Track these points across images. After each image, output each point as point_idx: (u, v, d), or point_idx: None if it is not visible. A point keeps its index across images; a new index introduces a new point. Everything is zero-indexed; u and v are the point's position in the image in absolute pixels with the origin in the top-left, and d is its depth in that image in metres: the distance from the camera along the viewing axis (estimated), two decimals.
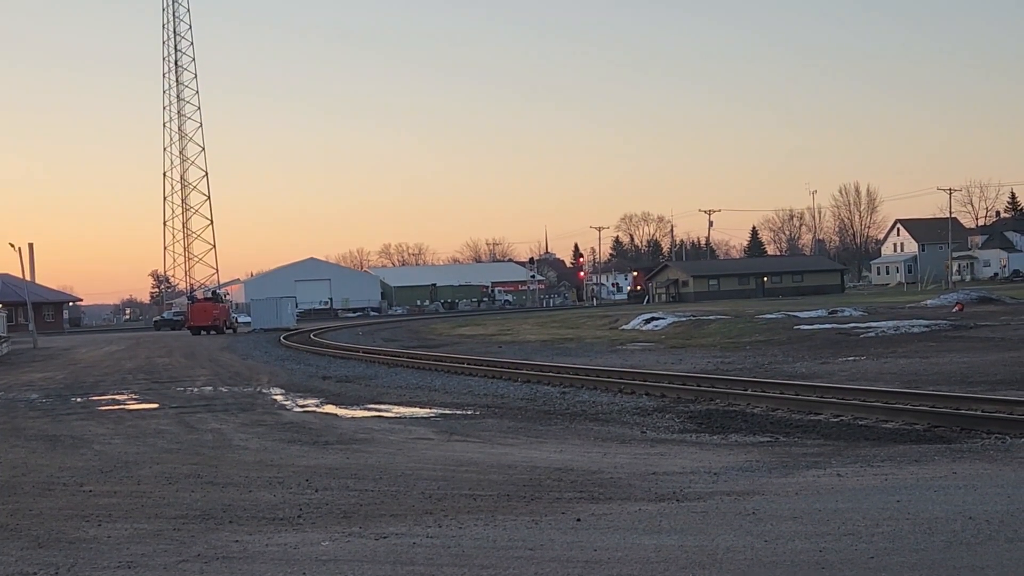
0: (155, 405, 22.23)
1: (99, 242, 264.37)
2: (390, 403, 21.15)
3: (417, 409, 19.78)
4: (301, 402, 22.12)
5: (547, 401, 20.13)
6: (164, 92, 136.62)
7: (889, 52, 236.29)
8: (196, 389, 26.33)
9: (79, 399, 24.73)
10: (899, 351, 29.03)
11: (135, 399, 24.17)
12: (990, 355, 25.85)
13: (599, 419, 17.08)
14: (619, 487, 10.12)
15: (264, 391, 25.23)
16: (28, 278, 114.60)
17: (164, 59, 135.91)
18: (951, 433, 13.49)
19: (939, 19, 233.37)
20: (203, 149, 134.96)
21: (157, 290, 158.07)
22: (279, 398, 23.27)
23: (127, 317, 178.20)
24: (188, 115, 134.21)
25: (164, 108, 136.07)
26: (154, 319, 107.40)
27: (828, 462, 11.36)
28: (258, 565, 7.01)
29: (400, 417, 18.49)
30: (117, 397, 24.87)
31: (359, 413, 19.50)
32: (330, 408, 20.65)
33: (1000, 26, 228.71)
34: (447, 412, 19.01)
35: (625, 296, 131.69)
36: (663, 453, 12.76)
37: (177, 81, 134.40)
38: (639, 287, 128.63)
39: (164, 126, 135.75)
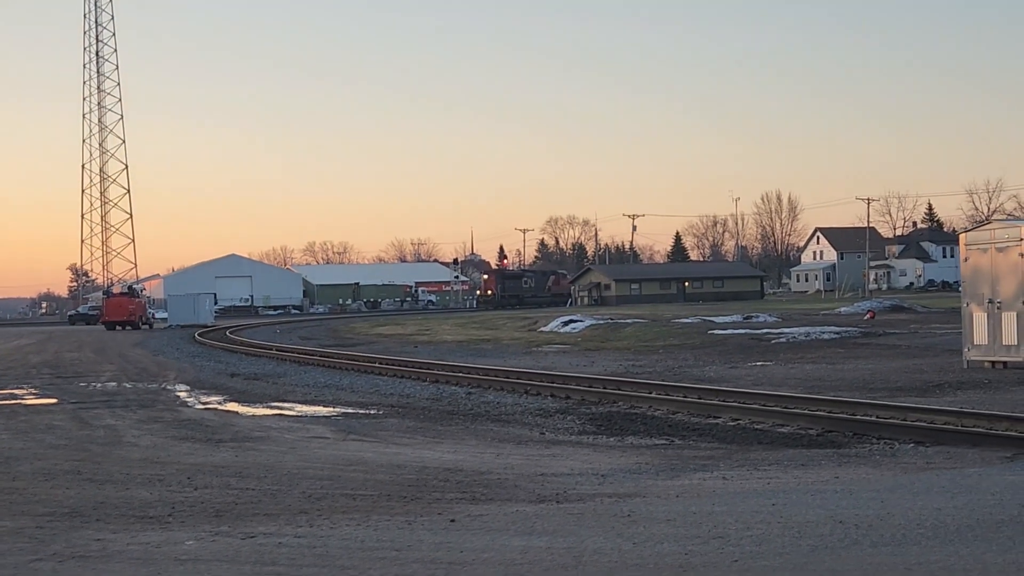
0: (54, 400, 21.74)
1: (15, 234, 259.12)
2: (294, 401, 20.90)
3: (320, 408, 19.56)
4: (204, 399, 21.76)
5: (452, 401, 20.03)
6: (84, 83, 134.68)
7: (813, 62, 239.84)
8: (100, 385, 25.82)
9: None
10: (807, 357, 29.35)
11: (34, 394, 23.63)
12: (894, 362, 26.23)
13: (500, 420, 17.02)
14: (504, 488, 10.05)
15: (169, 388, 24.82)
16: None
17: (85, 49, 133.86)
18: (843, 438, 13.62)
19: (862, 30, 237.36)
20: (123, 141, 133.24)
21: (75, 284, 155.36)
22: (182, 395, 22.89)
23: (43, 311, 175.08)
24: (109, 107, 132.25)
25: (84, 99, 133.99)
26: (69, 314, 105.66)
27: (716, 465, 11.40)
28: (113, 564, 6.81)
29: (301, 416, 18.27)
30: (16, 392, 24.28)
31: (260, 411, 19.24)
32: (232, 406, 20.33)
33: (923, 38, 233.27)
34: (350, 411, 18.82)
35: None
36: (556, 455, 12.72)
37: (98, 72, 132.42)
38: (490, 291, 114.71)
39: (84, 117, 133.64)
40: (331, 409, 19.26)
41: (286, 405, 20.20)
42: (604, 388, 20.59)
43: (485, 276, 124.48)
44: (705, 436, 14.41)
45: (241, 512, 8.74)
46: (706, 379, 23.95)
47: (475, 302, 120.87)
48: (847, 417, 14.94)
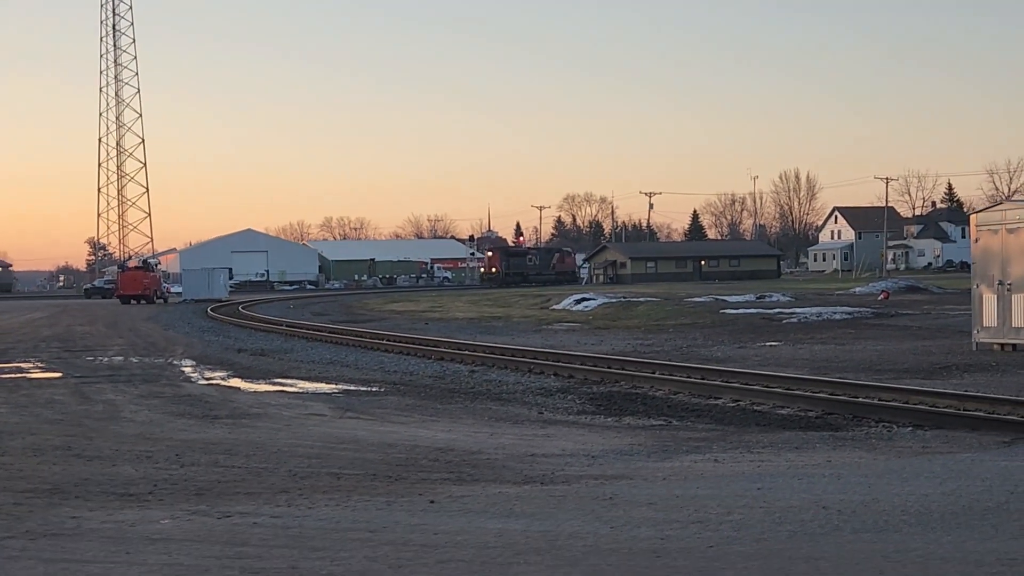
0: (58, 374, 21.77)
1: (36, 207, 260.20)
2: (297, 378, 20.88)
3: (322, 385, 19.53)
4: (208, 375, 21.76)
5: (455, 380, 19.97)
6: (101, 56, 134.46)
7: (831, 42, 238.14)
8: (107, 359, 25.86)
9: None
10: (817, 337, 29.17)
11: (40, 367, 23.68)
12: (904, 343, 26.04)
13: (501, 399, 16.94)
14: (492, 468, 9.97)
15: (175, 363, 24.83)
16: None
17: (102, 22, 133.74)
18: (842, 421, 13.51)
19: (883, 7, 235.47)
20: (140, 115, 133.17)
21: (93, 258, 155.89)
22: (187, 370, 22.89)
23: (61, 284, 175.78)
24: (126, 80, 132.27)
25: (101, 72, 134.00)
26: (85, 287, 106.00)
27: (710, 447, 11.30)
28: (84, 543, 6.76)
29: (302, 392, 18.24)
30: (23, 365, 24.34)
31: (262, 387, 19.21)
32: (235, 382, 20.33)
33: (945, 16, 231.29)
34: (351, 388, 18.79)
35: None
36: (551, 435, 12.64)
37: (115, 45, 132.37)
38: (494, 269, 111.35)
39: (101, 90, 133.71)
40: (333, 386, 19.23)
41: (288, 381, 20.17)
42: (608, 368, 20.48)
43: (489, 253, 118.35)
44: (703, 417, 14.31)
45: (223, 491, 8.69)
46: (713, 359, 23.81)
47: (479, 279, 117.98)
48: (848, 399, 14.82)
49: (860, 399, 14.86)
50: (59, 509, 7.88)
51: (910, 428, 12.58)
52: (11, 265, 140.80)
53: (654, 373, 19.27)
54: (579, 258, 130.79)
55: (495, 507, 7.84)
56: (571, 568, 6.11)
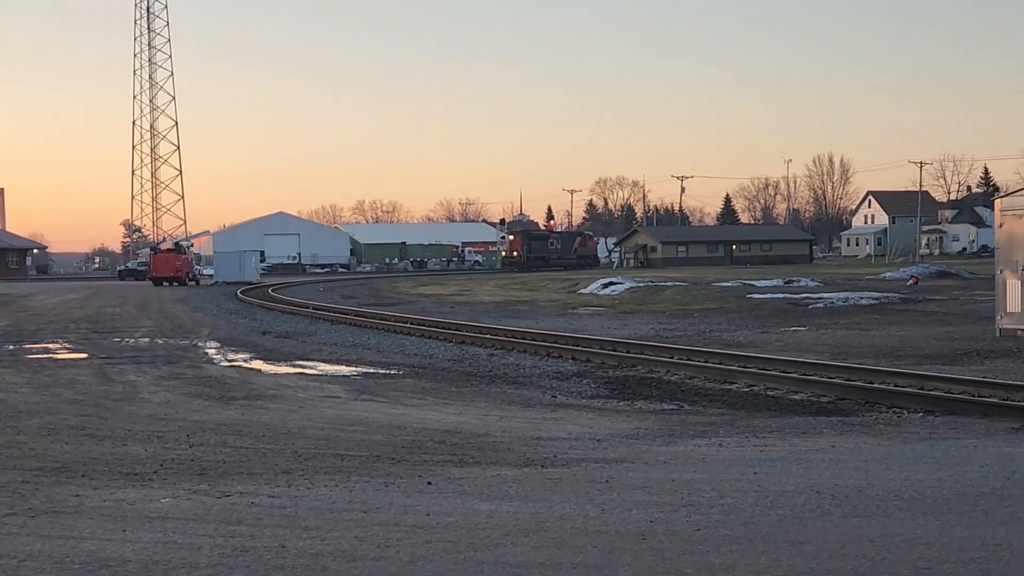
0: (84, 355, 22.03)
1: (72, 190, 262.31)
2: (318, 360, 21.04)
3: (342, 367, 19.67)
4: (231, 356, 21.96)
5: (473, 363, 20.06)
6: (135, 39, 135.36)
7: (866, 25, 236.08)
8: (133, 340, 26.13)
9: (12, 346, 24.48)
10: (841, 322, 29.07)
11: (67, 348, 23.96)
12: (928, 329, 25.91)
13: (516, 382, 17.02)
14: (496, 451, 10.06)
15: (199, 344, 25.06)
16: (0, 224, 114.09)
17: (136, 5, 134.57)
18: (854, 406, 13.50)
19: None
20: (174, 98, 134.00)
21: (128, 240, 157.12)
22: (211, 352, 23.10)
23: (96, 266, 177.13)
24: (159, 63, 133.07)
25: (135, 55, 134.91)
26: (118, 269, 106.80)
27: (716, 432, 11.34)
28: (83, 521, 6.90)
29: (321, 375, 18.38)
30: (50, 346, 24.64)
31: (282, 369, 19.38)
32: (257, 363, 20.51)
33: (975, 1, 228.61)
34: (370, 371, 18.93)
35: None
36: (560, 418, 12.71)
37: (149, 29, 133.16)
38: (515, 253, 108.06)
39: (135, 74, 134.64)
40: (352, 368, 19.37)
41: (309, 364, 20.33)
42: (627, 352, 20.52)
43: (511, 237, 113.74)
44: (715, 402, 14.34)
45: (226, 471, 8.82)
46: (734, 344, 23.79)
47: (500, 263, 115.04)
48: (862, 385, 14.79)
49: (875, 385, 14.84)
50: (64, 487, 8.03)
51: (921, 414, 12.57)
52: (47, 247, 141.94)
53: (672, 358, 19.29)
54: (610, 242, 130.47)
55: (490, 489, 7.93)
56: (555, 549, 6.18)
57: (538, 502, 7.43)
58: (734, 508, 7.20)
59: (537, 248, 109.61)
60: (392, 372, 18.69)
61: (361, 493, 7.80)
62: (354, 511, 7.18)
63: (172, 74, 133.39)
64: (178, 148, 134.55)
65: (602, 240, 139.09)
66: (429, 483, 8.14)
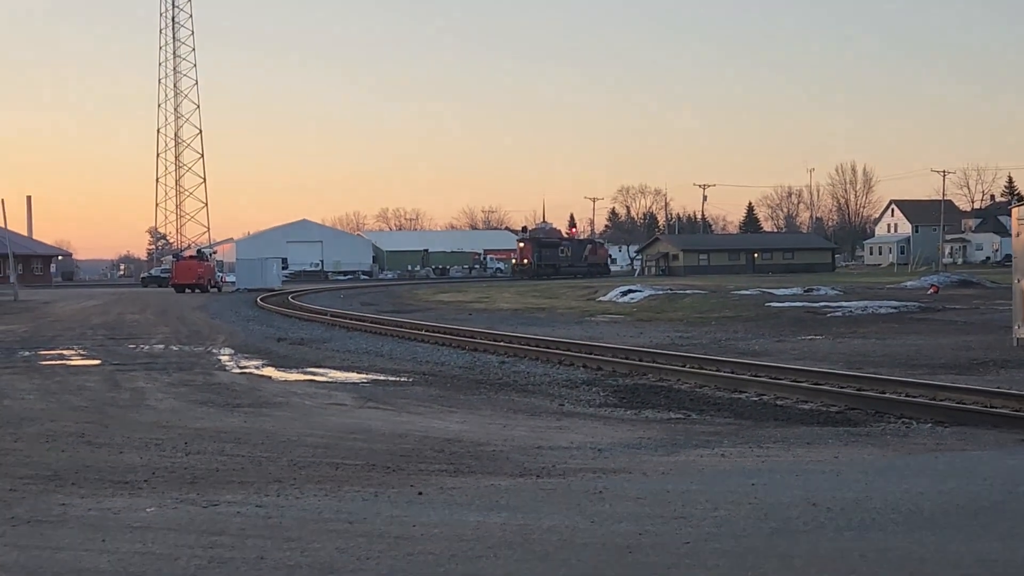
0: (97, 361, 22.05)
1: (99, 198, 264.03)
2: (329, 367, 20.97)
3: (352, 374, 19.60)
4: (243, 363, 21.92)
5: (484, 370, 19.95)
6: (160, 48, 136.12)
7: (890, 32, 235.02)
8: (148, 347, 26.13)
9: (27, 352, 24.55)
10: (859, 332, 28.81)
11: (81, 355, 23.98)
12: (945, 338, 25.65)
13: (525, 390, 16.90)
14: (494, 461, 9.94)
15: (213, 351, 25.04)
16: (26, 231, 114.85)
17: (161, 15, 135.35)
18: (863, 416, 13.31)
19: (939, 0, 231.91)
20: (198, 106, 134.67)
21: (153, 247, 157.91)
22: (224, 359, 23.07)
23: (122, 273, 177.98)
24: (184, 72, 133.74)
25: (160, 64, 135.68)
26: (142, 276, 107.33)
27: (720, 442, 11.18)
28: (64, 531, 6.83)
29: (330, 382, 18.30)
30: (65, 352, 24.68)
31: (293, 376, 19.32)
32: (268, 371, 20.46)
33: (1000, 8, 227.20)
34: (380, 378, 18.84)
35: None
36: (564, 427, 12.57)
37: (174, 37, 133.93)
38: (526, 260, 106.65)
39: (160, 82, 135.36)
40: (362, 376, 19.29)
41: (320, 371, 20.27)
42: (639, 360, 20.35)
43: (521, 244, 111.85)
44: (723, 411, 14.17)
45: (218, 479, 8.74)
46: (749, 352, 23.59)
47: (510, 271, 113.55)
48: (872, 395, 14.60)
49: (885, 395, 14.63)
50: (51, 496, 7.96)
51: (930, 425, 12.38)
52: (72, 253, 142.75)
53: (684, 366, 19.13)
54: (631, 250, 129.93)
55: (481, 500, 7.81)
56: (538, 562, 6.07)
57: (528, 513, 7.31)
58: (727, 521, 7.06)
59: (548, 256, 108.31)
60: (402, 380, 18.60)
61: (350, 503, 7.70)
62: (340, 521, 7.07)
63: (196, 82, 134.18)
64: (202, 156, 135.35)
65: (623, 248, 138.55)
66: (420, 493, 8.03)
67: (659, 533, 6.74)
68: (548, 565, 6.02)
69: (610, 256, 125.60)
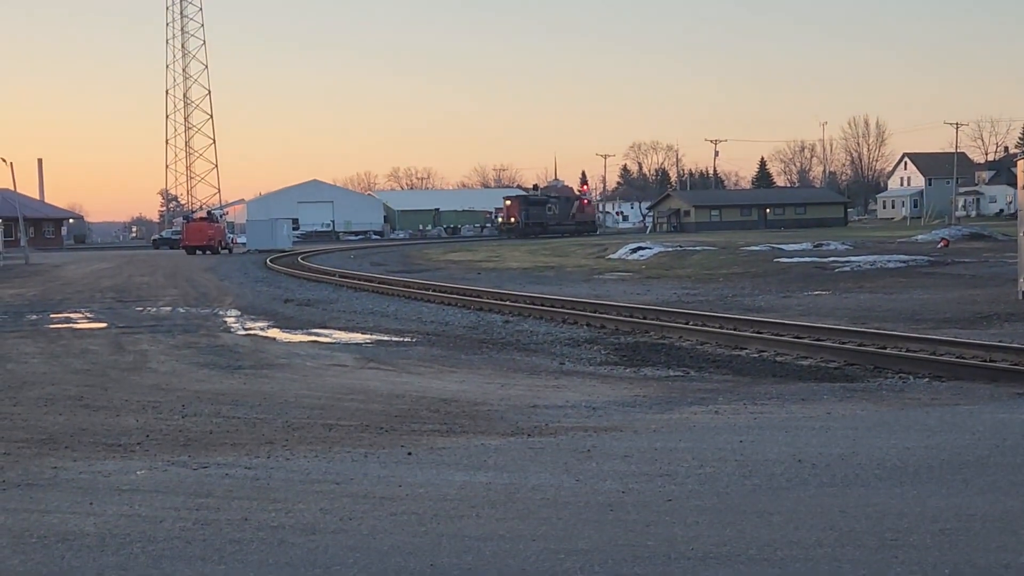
0: (103, 325, 22.14)
1: (111, 160, 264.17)
2: (334, 328, 21.02)
3: (356, 335, 19.65)
4: (249, 325, 22.00)
5: (487, 330, 19.99)
6: (167, 8, 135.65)
7: None
8: (155, 309, 26.22)
9: (35, 316, 24.68)
10: (866, 286, 28.76)
11: (88, 318, 24.08)
12: (952, 292, 25.59)
13: (527, 349, 16.94)
14: (488, 420, 9.99)
15: (220, 313, 25.12)
16: (38, 195, 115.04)
17: None
18: (861, 372, 13.33)
19: None
20: (206, 67, 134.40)
21: (165, 209, 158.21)
22: (230, 320, 23.15)
23: (134, 235, 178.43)
24: (192, 32, 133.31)
25: (168, 24, 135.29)
26: (152, 238, 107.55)
27: (715, 399, 11.20)
28: (53, 493, 6.90)
29: (334, 343, 18.35)
30: (72, 316, 24.78)
31: (297, 337, 19.38)
32: (273, 332, 20.53)
33: None
34: (383, 339, 18.89)
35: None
36: (561, 386, 12.61)
37: None
38: (513, 219, 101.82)
39: (167, 43, 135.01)
40: (366, 336, 19.35)
41: (324, 332, 20.32)
42: (643, 318, 20.36)
43: (508, 202, 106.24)
44: (722, 368, 14.20)
45: (211, 441, 8.81)
46: (754, 309, 23.59)
47: (496, 231, 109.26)
48: (872, 350, 14.61)
49: (885, 350, 14.64)
50: (44, 459, 8.04)
51: (927, 379, 12.39)
52: (84, 216, 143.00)
53: (687, 323, 19.14)
54: (643, 206, 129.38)
55: (469, 459, 7.86)
56: (519, 521, 6.11)
57: (513, 472, 7.36)
58: (711, 478, 7.10)
59: (535, 214, 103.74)
60: (405, 340, 18.65)
61: (339, 464, 7.76)
62: (327, 482, 7.14)
63: (204, 42, 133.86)
64: (211, 117, 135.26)
65: (635, 205, 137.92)
66: (409, 453, 8.09)
67: (642, 491, 6.78)
68: (527, 524, 6.07)
69: (598, 213, 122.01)
